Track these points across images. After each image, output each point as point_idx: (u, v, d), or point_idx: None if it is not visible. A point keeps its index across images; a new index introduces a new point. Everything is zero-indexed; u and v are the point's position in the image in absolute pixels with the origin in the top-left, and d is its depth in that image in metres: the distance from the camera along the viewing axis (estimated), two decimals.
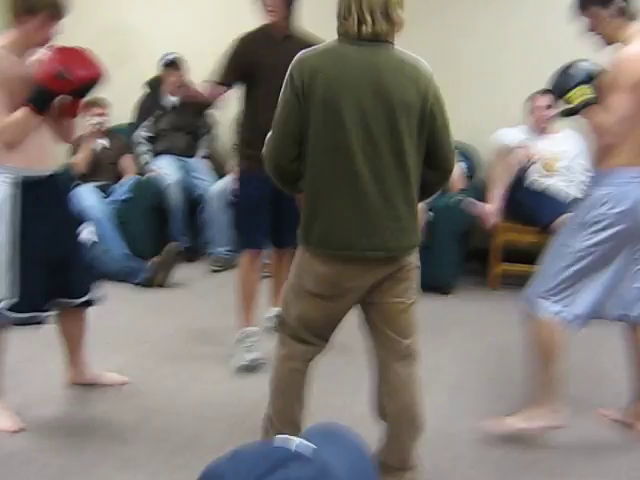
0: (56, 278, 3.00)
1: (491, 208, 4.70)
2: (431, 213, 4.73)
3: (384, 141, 2.32)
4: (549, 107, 4.81)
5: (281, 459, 0.81)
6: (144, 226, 5.29)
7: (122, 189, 5.40)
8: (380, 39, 2.33)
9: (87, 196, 5.24)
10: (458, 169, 4.96)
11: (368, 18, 2.30)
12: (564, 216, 4.56)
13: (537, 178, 4.85)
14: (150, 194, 5.34)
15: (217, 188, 5.39)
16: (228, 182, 5.22)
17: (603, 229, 2.80)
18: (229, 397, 3.43)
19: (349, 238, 2.38)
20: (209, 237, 5.45)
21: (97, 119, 5.41)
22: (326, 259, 2.42)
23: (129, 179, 5.46)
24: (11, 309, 2.89)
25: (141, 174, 5.51)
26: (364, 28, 2.31)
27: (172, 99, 5.59)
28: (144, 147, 5.58)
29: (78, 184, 5.21)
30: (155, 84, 5.64)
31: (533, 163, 4.84)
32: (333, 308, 2.52)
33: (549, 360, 2.95)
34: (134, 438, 3.04)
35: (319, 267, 2.44)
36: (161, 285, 4.88)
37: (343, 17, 2.35)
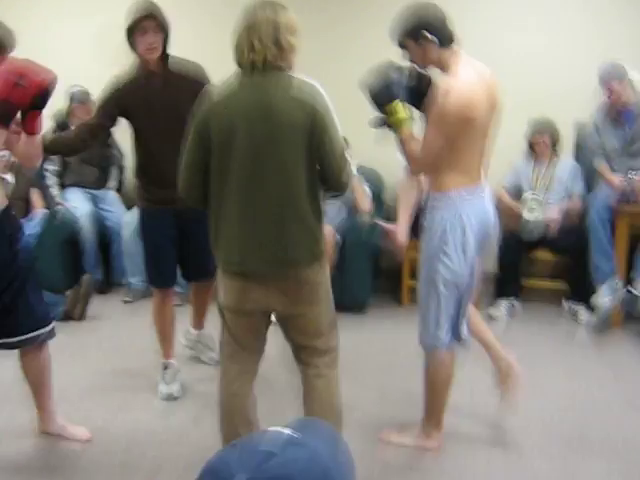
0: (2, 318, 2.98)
1: (399, 228, 4.88)
2: (338, 237, 4.91)
3: (271, 163, 2.49)
4: None
5: (279, 444, 0.93)
6: (56, 260, 5.24)
7: (31, 224, 5.34)
8: (270, 66, 2.48)
9: None
10: (364, 191, 5.15)
11: (257, 46, 2.44)
12: None
13: None
14: (60, 228, 5.31)
15: (128, 219, 5.40)
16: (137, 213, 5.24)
17: (463, 252, 2.99)
18: (157, 425, 3.48)
19: (244, 255, 2.56)
20: (122, 268, 5.45)
21: (2, 152, 5.33)
22: (231, 275, 2.62)
23: (38, 214, 5.41)
24: None
25: (49, 208, 5.46)
26: (254, 56, 2.45)
27: None
28: (52, 180, 5.54)
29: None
30: (62, 117, 5.60)
31: None
32: (248, 322, 2.69)
33: (443, 389, 3.18)
34: (70, 472, 3.06)
35: (227, 282, 2.64)
36: (79, 318, 4.86)
37: (236, 48, 2.50)
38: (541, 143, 5.13)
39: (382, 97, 2.87)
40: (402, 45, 2.93)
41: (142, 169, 3.69)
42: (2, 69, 2.70)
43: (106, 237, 5.54)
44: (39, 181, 5.54)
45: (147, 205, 3.73)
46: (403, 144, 2.90)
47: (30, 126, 2.84)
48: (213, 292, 3.58)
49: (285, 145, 2.47)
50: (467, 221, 2.95)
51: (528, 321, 4.92)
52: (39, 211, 5.44)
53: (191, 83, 3.46)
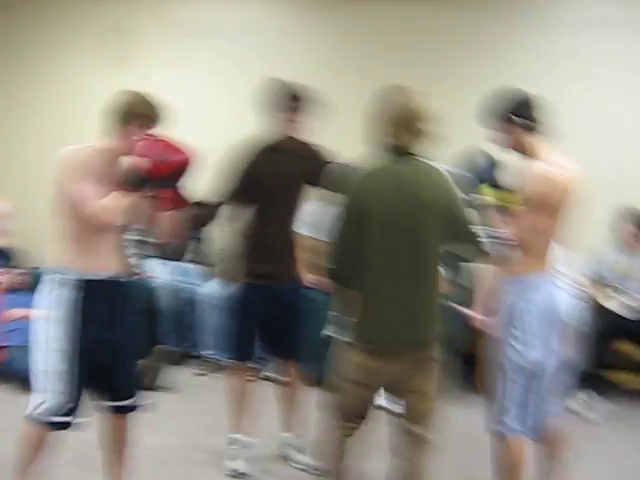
0: (101, 381, 3.02)
1: (476, 312, 4.80)
2: None
3: (422, 245, 2.66)
4: None
5: None
6: None
7: None
8: (412, 152, 2.68)
9: None
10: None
11: (403, 133, 2.65)
12: None
13: None
14: (139, 296, 5.38)
15: (206, 291, 5.45)
16: (216, 286, 5.30)
17: (531, 338, 2.94)
18: None
19: (389, 333, 2.71)
20: (197, 340, 5.48)
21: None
22: (366, 352, 2.73)
23: None
24: (51, 413, 2.88)
25: (131, 276, 5.55)
26: (400, 142, 2.66)
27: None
28: (134, 250, 5.65)
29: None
30: None
31: None
32: (368, 394, 2.85)
33: (511, 477, 3.07)
34: None
35: (358, 357, 2.75)
36: (149, 388, 4.87)
37: (378, 134, 2.70)
38: (626, 232, 5.00)
39: (469, 181, 2.98)
40: (490, 126, 2.99)
41: (248, 242, 3.75)
42: (145, 143, 2.84)
43: (183, 308, 5.61)
44: (122, 249, 5.65)
45: (247, 280, 3.74)
46: (490, 226, 2.96)
47: (166, 202, 2.98)
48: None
49: (432, 229, 2.66)
50: (537, 307, 2.92)
51: (615, 423, 4.67)
52: None
53: (309, 163, 3.67)
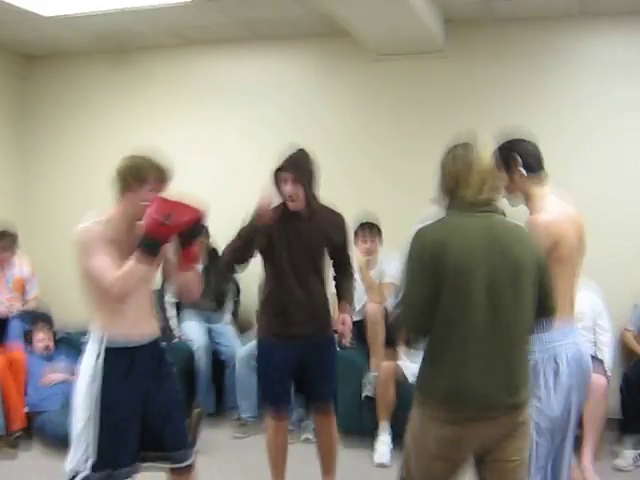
0: (151, 443, 3.05)
1: None
2: None
3: (508, 302, 2.45)
4: None
5: None
6: None
7: None
8: (492, 207, 2.56)
9: None
10: None
11: (484, 188, 2.53)
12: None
13: None
14: (177, 358, 5.38)
15: (242, 353, 5.43)
16: (253, 346, 5.28)
17: (556, 397, 2.83)
18: None
19: (475, 398, 2.43)
20: (234, 402, 5.44)
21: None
22: (447, 421, 2.45)
23: None
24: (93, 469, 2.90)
25: (168, 339, 5.58)
26: (480, 197, 2.53)
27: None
28: (171, 312, 5.68)
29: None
30: None
31: None
32: (456, 465, 2.56)
33: None
34: None
35: (439, 429, 2.47)
36: None
37: (455, 188, 2.56)
38: None
39: None
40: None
41: (269, 301, 3.80)
42: (153, 206, 2.80)
43: (220, 369, 5.58)
44: (159, 312, 5.69)
45: (273, 335, 3.78)
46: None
47: (184, 260, 2.97)
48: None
49: (520, 284, 2.48)
50: (561, 365, 2.82)
51: None
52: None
53: (330, 227, 3.74)
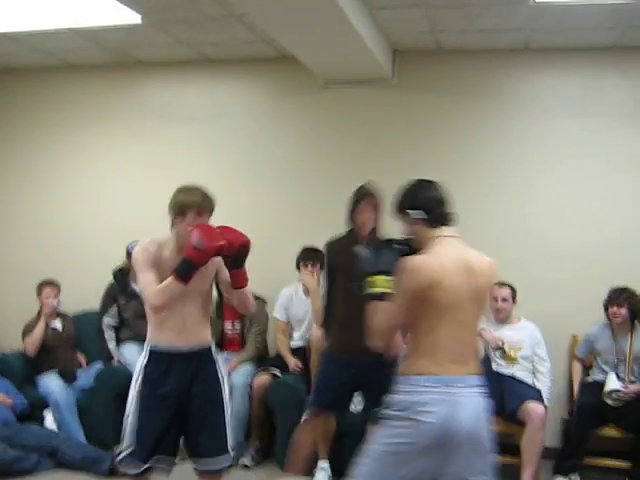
0: (186, 441, 3.48)
1: None
2: None
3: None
4: (505, 300, 5.04)
5: None
6: (107, 414, 5.18)
7: (86, 377, 5.37)
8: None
9: (49, 384, 5.21)
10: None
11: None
12: (528, 403, 4.66)
13: (495, 367, 4.97)
14: (114, 383, 5.29)
15: None
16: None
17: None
18: None
19: None
20: None
21: (51, 300, 5.57)
22: None
23: (93, 366, 5.44)
24: (127, 463, 3.39)
25: (105, 361, 5.48)
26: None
27: (137, 287, 5.68)
28: (109, 334, 5.59)
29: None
30: (121, 273, 5.74)
31: (499, 348, 4.96)
32: None
33: None
34: None
35: None
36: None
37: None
38: (618, 313, 4.93)
39: (367, 268, 2.85)
40: (394, 217, 2.95)
41: (335, 322, 4.26)
42: (191, 233, 3.21)
43: None
44: (97, 334, 5.60)
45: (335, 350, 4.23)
46: (369, 317, 2.81)
47: (234, 282, 3.41)
48: None
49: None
50: (419, 414, 2.64)
51: None
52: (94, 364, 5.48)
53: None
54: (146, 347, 3.46)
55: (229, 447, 3.48)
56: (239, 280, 3.40)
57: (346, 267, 3.93)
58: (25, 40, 5.79)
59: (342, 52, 5.16)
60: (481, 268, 2.80)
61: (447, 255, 2.75)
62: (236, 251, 3.26)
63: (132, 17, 5.12)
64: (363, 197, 4.14)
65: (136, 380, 3.42)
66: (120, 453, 3.42)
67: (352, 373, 4.10)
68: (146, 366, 3.41)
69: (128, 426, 3.40)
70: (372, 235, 4.09)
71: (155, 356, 3.41)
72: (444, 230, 2.83)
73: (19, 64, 6.56)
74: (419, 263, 2.70)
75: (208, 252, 3.18)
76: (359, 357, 3.85)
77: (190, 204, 3.34)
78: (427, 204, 2.83)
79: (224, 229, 3.28)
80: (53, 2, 4.89)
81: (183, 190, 3.44)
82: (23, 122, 6.71)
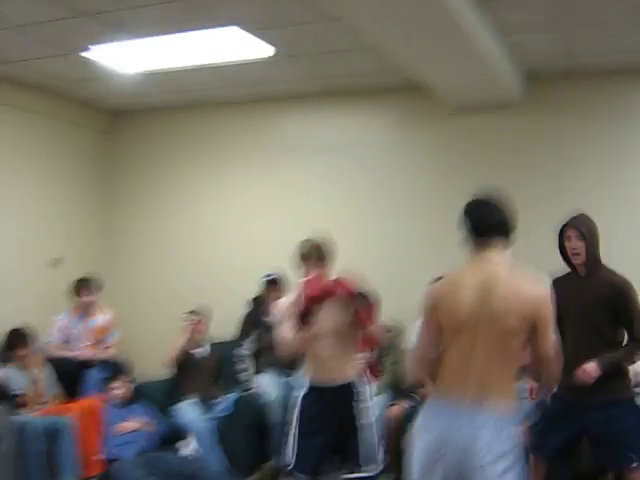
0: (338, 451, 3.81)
1: None
2: None
3: None
4: None
5: None
6: (244, 442, 5.26)
7: (224, 405, 5.46)
8: None
9: (188, 411, 5.33)
10: None
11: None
12: None
13: None
14: (251, 411, 5.38)
15: None
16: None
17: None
18: None
19: None
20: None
21: (193, 318, 5.71)
22: None
23: (231, 395, 5.56)
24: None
25: (242, 390, 5.58)
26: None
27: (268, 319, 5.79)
28: (247, 364, 5.68)
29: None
30: (258, 302, 5.85)
31: None
32: None
33: None
34: None
35: None
36: None
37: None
38: None
39: None
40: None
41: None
42: (309, 282, 3.73)
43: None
44: (234, 364, 5.71)
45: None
46: None
47: (360, 322, 3.73)
48: None
49: None
50: (418, 433, 2.75)
51: None
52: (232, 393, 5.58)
53: (609, 293, 3.72)
54: (304, 381, 3.90)
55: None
56: (361, 321, 3.72)
57: (563, 303, 3.71)
58: (162, 79, 6.05)
59: (473, 76, 5.14)
60: (508, 295, 2.67)
61: (462, 277, 2.76)
62: (314, 299, 3.65)
63: (265, 51, 5.25)
64: (565, 226, 3.90)
65: (295, 406, 3.86)
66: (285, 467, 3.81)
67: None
68: (302, 397, 3.86)
69: (289, 444, 3.81)
70: (589, 270, 3.83)
71: (309, 389, 3.86)
72: (481, 253, 2.78)
73: (157, 103, 6.88)
74: (435, 284, 2.84)
75: (305, 301, 3.65)
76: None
77: (307, 259, 3.87)
78: (466, 223, 2.84)
79: (315, 279, 3.74)
80: (187, 41, 5.06)
81: (306, 240, 3.94)
82: (160, 159, 7.04)
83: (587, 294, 3.75)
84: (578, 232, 3.80)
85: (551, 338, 2.71)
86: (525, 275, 2.75)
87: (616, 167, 5.53)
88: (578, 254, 3.79)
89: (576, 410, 3.77)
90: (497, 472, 2.60)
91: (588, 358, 3.65)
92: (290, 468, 3.77)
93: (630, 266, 4.05)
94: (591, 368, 3.63)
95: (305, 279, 3.79)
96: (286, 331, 3.77)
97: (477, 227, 2.80)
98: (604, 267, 3.82)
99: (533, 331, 2.66)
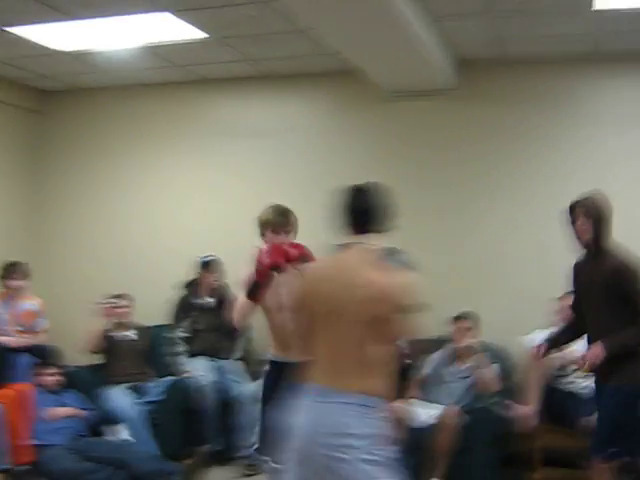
0: None
1: (529, 410, 4.65)
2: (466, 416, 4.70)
3: None
4: None
5: None
6: (177, 427, 5.24)
7: (156, 390, 5.43)
8: None
9: (118, 396, 5.30)
10: (493, 370, 4.98)
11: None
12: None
13: (573, 380, 4.88)
14: (184, 395, 5.35)
15: (250, 390, 5.37)
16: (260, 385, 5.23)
17: None
18: None
19: None
20: (242, 440, 5.37)
21: (111, 301, 5.61)
22: None
23: (164, 380, 5.52)
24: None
25: (175, 375, 5.54)
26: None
27: (208, 300, 5.75)
28: (180, 347, 5.65)
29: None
30: (192, 285, 5.82)
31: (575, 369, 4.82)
32: None
33: None
34: None
35: None
36: None
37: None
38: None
39: None
40: None
41: None
42: (266, 249, 3.57)
43: (229, 407, 5.52)
44: (167, 347, 5.67)
45: None
46: None
47: None
48: None
49: None
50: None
51: None
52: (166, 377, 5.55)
53: (611, 273, 3.73)
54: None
55: None
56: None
57: (577, 279, 3.97)
58: (94, 59, 5.94)
59: (407, 63, 5.16)
60: (367, 283, 2.63)
61: (327, 264, 2.82)
62: (272, 267, 3.52)
63: (199, 34, 5.21)
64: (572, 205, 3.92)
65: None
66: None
67: None
68: (265, 371, 3.78)
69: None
70: (596, 248, 3.84)
71: (270, 364, 3.76)
72: (349, 238, 2.77)
73: (89, 83, 6.75)
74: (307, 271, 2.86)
75: (261, 272, 3.50)
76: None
77: (265, 227, 3.74)
78: (339, 210, 2.80)
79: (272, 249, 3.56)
80: (122, 21, 5.00)
81: (261, 214, 3.78)
82: (92, 139, 6.90)
83: (593, 274, 3.80)
84: (584, 211, 3.83)
85: (407, 326, 2.64)
86: (389, 264, 2.73)
87: (549, 151, 5.64)
88: (583, 233, 3.83)
89: (597, 391, 3.87)
90: (353, 460, 2.51)
91: (601, 336, 3.69)
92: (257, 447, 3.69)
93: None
94: (597, 350, 3.65)
95: (263, 247, 3.62)
96: (241, 300, 3.69)
97: (349, 213, 2.78)
98: (611, 248, 3.81)
99: (390, 319, 2.60)
